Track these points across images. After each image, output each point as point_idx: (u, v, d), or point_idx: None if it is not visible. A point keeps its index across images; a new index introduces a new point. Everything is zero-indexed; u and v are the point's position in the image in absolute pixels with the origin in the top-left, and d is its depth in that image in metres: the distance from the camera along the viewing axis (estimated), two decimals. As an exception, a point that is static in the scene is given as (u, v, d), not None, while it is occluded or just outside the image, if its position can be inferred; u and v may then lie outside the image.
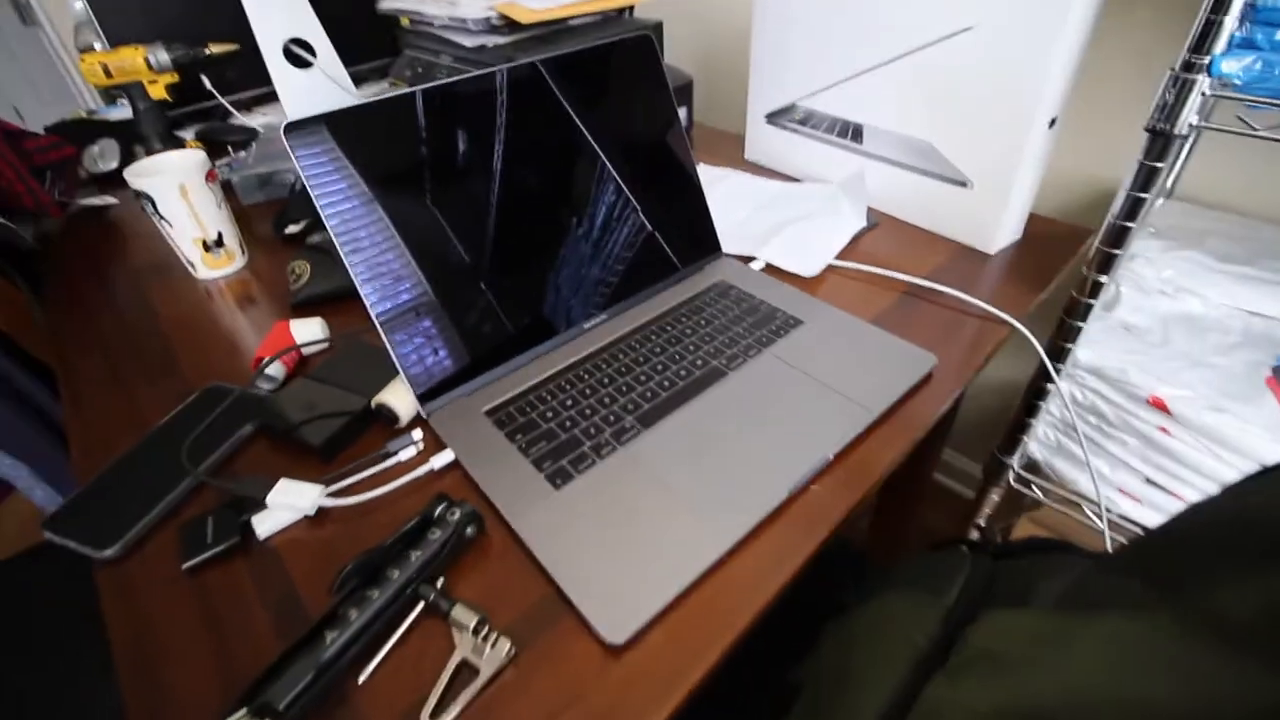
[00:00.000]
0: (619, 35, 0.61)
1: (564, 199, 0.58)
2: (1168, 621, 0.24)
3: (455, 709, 0.35)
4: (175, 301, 0.72)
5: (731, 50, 1.23)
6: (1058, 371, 0.71)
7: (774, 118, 0.87)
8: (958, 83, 0.65)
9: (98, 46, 1.11)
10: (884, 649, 0.36)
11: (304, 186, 0.83)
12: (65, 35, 2.43)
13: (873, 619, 0.40)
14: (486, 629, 0.37)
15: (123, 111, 1.17)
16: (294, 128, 0.46)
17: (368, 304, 0.49)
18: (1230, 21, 0.46)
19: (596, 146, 0.59)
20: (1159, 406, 0.66)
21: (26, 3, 2.39)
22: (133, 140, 1.04)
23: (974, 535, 0.95)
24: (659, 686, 0.35)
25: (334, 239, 0.48)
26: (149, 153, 0.97)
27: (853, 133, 0.78)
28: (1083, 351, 0.70)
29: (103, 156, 1.02)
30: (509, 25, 0.88)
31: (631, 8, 0.99)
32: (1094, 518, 0.77)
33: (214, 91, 1.03)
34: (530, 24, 0.87)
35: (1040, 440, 0.81)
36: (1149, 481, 0.71)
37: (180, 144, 0.99)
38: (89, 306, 0.73)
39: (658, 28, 0.93)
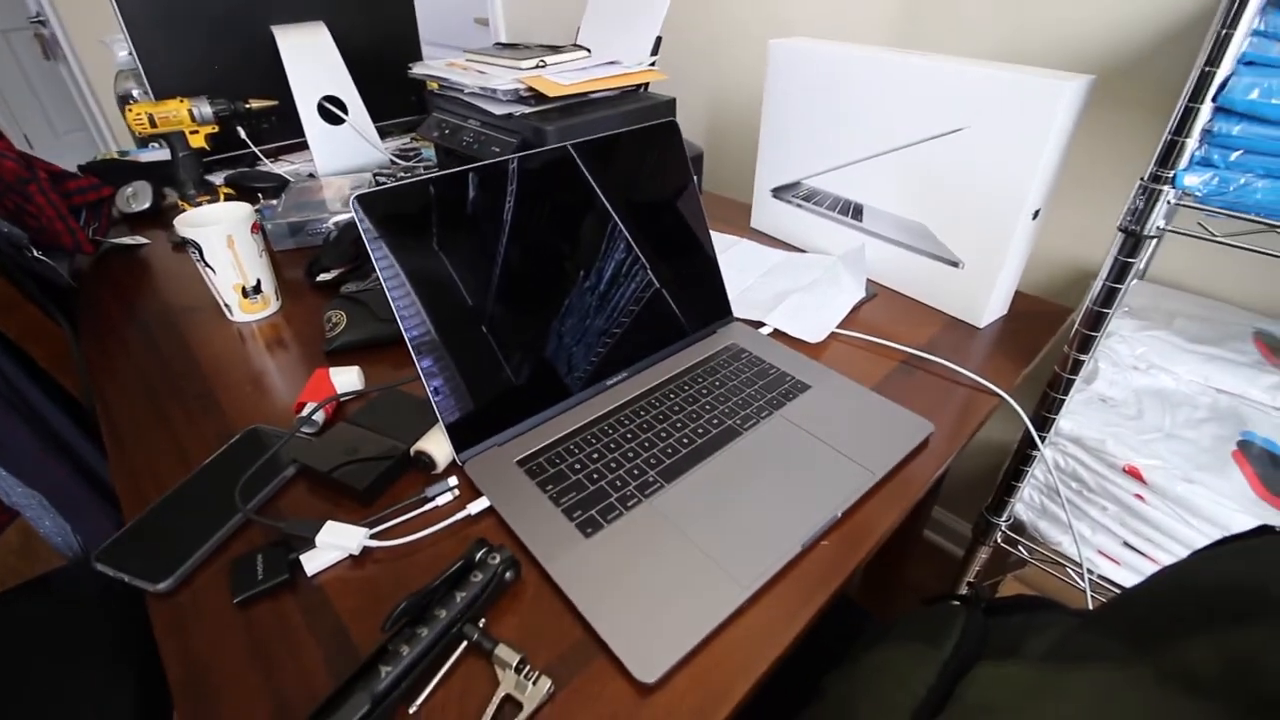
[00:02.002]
0: (646, 123, 0.67)
1: (579, 262, 0.62)
2: (1145, 674, 0.28)
3: (500, 742, 0.38)
4: (211, 343, 0.76)
5: (740, 124, 1.31)
6: (1042, 440, 0.76)
7: (779, 192, 0.94)
8: (950, 175, 0.72)
9: (136, 94, 1.17)
10: (885, 699, 0.39)
11: (338, 237, 0.88)
12: (92, 74, 2.49)
13: (874, 669, 0.43)
14: (528, 668, 0.40)
15: (154, 154, 1.22)
16: (362, 200, 0.51)
17: (409, 341, 0.52)
18: (1191, 143, 0.53)
19: (623, 227, 0.64)
20: (1134, 475, 0.71)
21: (53, 39, 2.46)
22: (165, 183, 1.08)
23: (965, 591, 0.98)
24: (688, 725, 0.39)
25: (385, 291, 0.52)
26: (183, 197, 1.01)
27: (854, 211, 0.84)
28: (1065, 422, 0.76)
29: (135, 197, 1.07)
30: (535, 97, 0.95)
31: (648, 84, 1.06)
32: (1076, 578, 0.81)
33: (248, 141, 1.09)
34: (555, 96, 0.94)
35: (1026, 503, 0.85)
36: (1126, 545, 0.76)
37: (212, 188, 1.03)
38: (125, 343, 0.76)
39: (672, 103, 1.00)
